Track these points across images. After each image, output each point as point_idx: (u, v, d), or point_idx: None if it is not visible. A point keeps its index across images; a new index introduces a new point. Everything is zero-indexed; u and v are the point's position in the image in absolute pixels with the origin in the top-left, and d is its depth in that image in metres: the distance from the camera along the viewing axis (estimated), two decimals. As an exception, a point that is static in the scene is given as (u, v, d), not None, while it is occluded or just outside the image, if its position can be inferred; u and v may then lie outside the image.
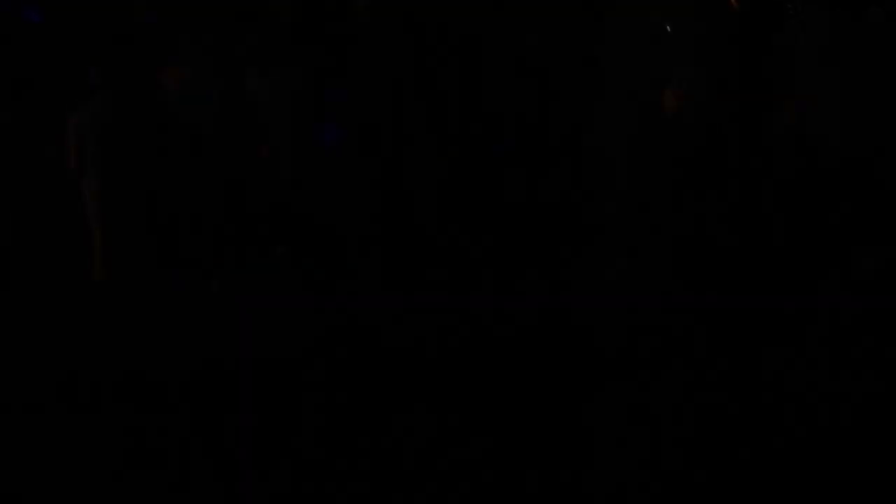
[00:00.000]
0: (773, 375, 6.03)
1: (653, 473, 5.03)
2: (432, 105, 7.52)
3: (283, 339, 6.53)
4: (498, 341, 6.46)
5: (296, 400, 5.87)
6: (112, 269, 6.91)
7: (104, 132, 6.82)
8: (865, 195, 6.98)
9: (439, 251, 7.43)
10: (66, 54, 8.18)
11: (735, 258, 7.32)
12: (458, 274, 7.25)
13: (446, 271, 7.22)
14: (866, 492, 4.87)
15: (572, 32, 8.09)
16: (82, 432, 5.63)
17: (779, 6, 9.41)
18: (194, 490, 5.06)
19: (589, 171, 7.46)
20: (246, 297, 6.94)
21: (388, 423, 5.51)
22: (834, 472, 5.03)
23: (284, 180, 7.46)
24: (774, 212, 7.76)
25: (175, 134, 7.08)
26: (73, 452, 5.34)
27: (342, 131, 8.05)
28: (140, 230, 7.02)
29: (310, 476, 5.09)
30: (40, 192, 7.39)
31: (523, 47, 7.57)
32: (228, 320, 6.78)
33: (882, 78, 6.87)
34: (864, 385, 5.86)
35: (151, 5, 8.48)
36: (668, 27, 7.45)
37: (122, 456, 5.32)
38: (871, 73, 6.86)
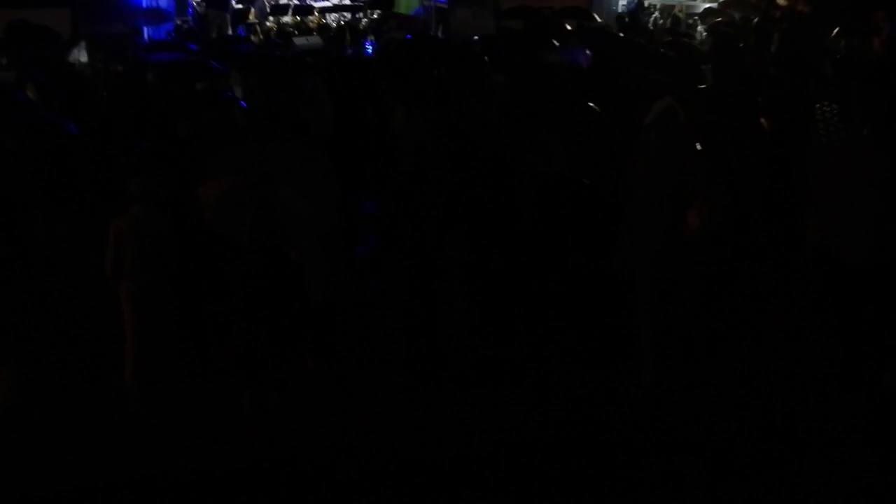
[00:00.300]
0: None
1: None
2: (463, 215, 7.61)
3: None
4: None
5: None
6: (142, 372, 6.99)
7: (141, 239, 6.98)
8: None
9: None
10: (105, 163, 8.39)
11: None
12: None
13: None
14: None
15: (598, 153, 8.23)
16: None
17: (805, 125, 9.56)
18: None
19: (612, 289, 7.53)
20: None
21: None
22: None
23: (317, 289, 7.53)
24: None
25: (209, 240, 7.21)
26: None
27: (376, 242, 8.12)
28: (171, 335, 7.11)
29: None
30: (80, 295, 7.52)
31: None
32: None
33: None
34: None
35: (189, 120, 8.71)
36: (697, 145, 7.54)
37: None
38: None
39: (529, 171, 7.58)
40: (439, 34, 19.87)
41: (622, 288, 7.39)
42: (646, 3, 25.91)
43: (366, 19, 26.53)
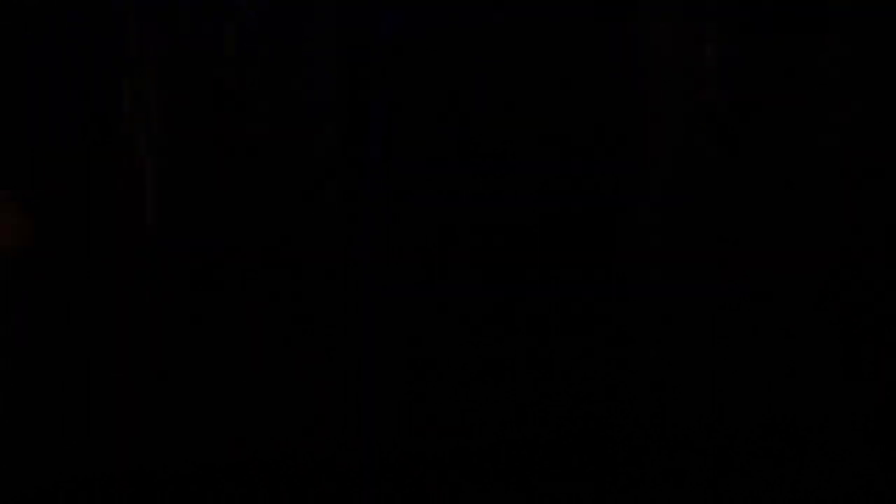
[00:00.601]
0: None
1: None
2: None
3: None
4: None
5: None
6: (161, 221, 6.88)
7: (160, 92, 6.86)
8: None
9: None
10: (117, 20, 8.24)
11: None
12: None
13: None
14: None
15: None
16: None
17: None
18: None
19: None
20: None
21: None
22: None
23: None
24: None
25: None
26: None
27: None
28: (188, 183, 6.99)
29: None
30: (102, 151, 7.41)
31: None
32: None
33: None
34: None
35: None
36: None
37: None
38: None
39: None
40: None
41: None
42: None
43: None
